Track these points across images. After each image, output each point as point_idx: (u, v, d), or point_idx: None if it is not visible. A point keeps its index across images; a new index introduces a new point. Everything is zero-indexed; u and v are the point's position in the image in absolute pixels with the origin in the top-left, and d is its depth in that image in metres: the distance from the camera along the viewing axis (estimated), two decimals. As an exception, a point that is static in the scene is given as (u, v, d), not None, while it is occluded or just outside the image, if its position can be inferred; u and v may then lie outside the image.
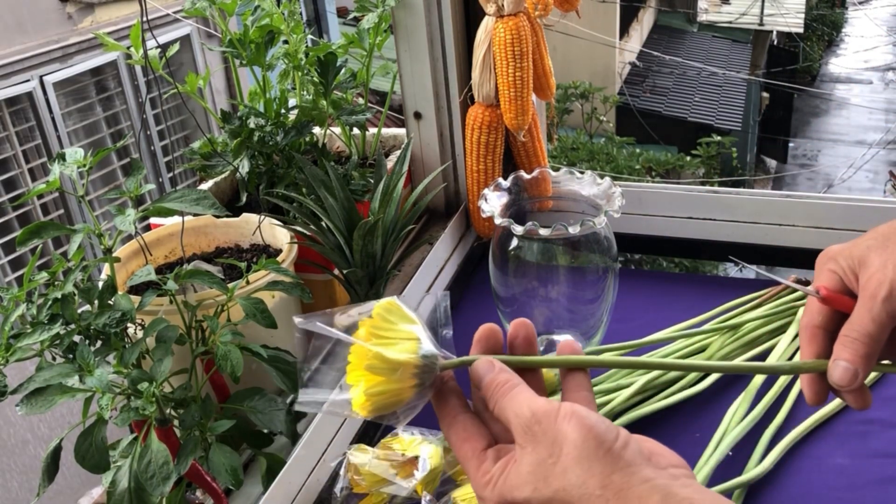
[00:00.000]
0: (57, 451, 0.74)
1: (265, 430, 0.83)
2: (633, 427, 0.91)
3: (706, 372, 0.99)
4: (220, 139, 1.14)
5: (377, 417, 0.53)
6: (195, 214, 0.89)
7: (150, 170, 5.06)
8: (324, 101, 1.12)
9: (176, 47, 1.09)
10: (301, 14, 1.15)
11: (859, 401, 0.58)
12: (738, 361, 1.02)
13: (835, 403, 0.95)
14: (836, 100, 13.38)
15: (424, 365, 0.52)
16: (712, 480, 0.85)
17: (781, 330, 1.08)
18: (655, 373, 1.00)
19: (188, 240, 1.03)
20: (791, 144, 12.20)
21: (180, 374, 0.81)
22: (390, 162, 1.07)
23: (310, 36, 1.19)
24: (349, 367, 0.53)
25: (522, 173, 1.03)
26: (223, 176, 1.15)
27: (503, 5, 1.12)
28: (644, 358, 0.65)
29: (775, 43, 13.04)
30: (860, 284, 0.57)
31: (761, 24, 12.43)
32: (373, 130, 1.25)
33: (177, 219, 0.91)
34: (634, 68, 10.95)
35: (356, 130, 1.21)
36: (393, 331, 0.53)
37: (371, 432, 0.99)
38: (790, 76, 12.25)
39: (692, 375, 1.00)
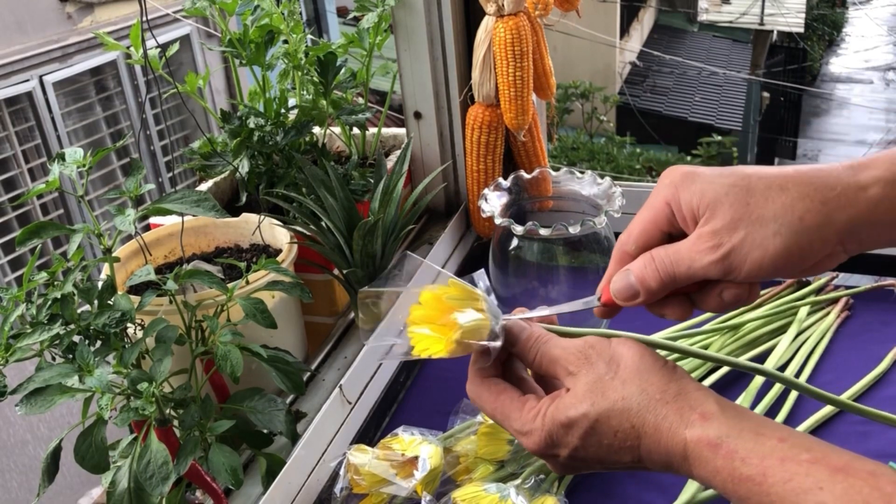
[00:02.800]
0: (57, 451, 0.74)
1: (265, 431, 0.83)
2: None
3: (745, 371, 0.99)
4: (220, 139, 1.14)
5: (462, 349, 0.55)
6: (195, 215, 0.88)
7: (149, 170, 5.06)
8: (324, 101, 1.12)
9: (176, 47, 1.09)
10: (301, 14, 1.15)
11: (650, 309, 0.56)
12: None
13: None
14: (836, 99, 13.37)
15: (492, 307, 0.56)
16: (712, 481, 0.85)
17: (782, 330, 1.08)
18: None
19: (188, 240, 1.03)
20: (795, 146, 12.21)
21: (180, 374, 0.81)
22: (390, 162, 1.07)
23: (309, 35, 1.19)
24: (410, 319, 0.57)
25: (522, 173, 1.03)
26: (223, 176, 1.15)
27: (503, 5, 1.12)
28: (691, 347, 0.67)
29: (776, 42, 13.04)
30: (699, 229, 0.51)
31: (762, 23, 12.42)
32: (373, 130, 1.25)
33: (176, 219, 0.91)
34: (635, 68, 10.94)
35: (356, 130, 1.21)
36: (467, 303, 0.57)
37: (371, 432, 0.99)
38: (797, 76, 12.25)
39: (694, 375, 1.00)
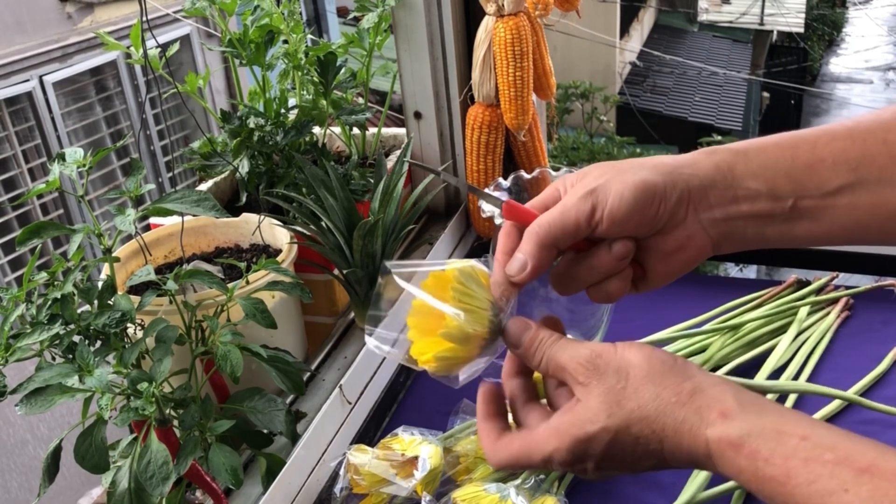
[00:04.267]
0: (57, 451, 0.74)
1: (265, 431, 0.83)
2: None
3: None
4: (220, 139, 1.14)
5: (440, 377, 0.55)
6: (195, 215, 0.88)
7: (149, 170, 5.06)
8: (324, 101, 1.12)
9: (176, 47, 1.09)
10: (301, 14, 1.15)
11: (557, 287, 0.59)
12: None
13: (835, 404, 0.95)
14: (836, 99, 13.38)
15: (491, 334, 0.55)
16: (713, 481, 0.85)
17: (782, 330, 1.08)
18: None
19: (188, 240, 1.03)
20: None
21: (180, 374, 0.81)
22: (390, 162, 1.07)
23: (310, 36, 1.19)
24: (410, 322, 0.56)
25: (523, 173, 1.03)
26: (223, 176, 1.15)
27: (503, 5, 1.12)
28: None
29: (776, 42, 13.04)
30: (573, 188, 0.57)
31: (762, 23, 12.43)
32: (373, 130, 1.25)
33: (176, 219, 0.91)
34: (635, 68, 10.94)
35: (356, 130, 1.21)
36: (470, 296, 0.55)
37: (371, 432, 0.99)
38: (797, 76, 12.24)
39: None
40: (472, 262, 0.57)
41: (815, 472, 0.44)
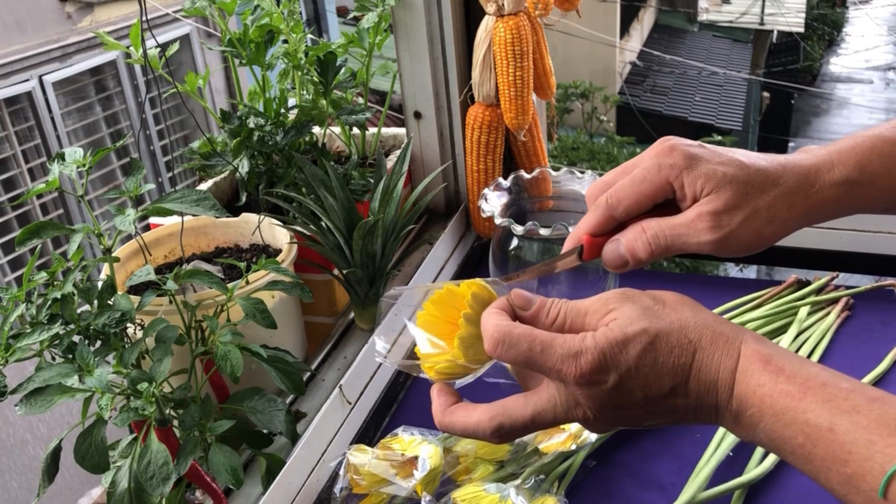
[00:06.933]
0: (57, 451, 0.74)
1: (265, 431, 0.83)
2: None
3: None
4: (220, 139, 1.14)
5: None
6: (195, 215, 0.88)
7: (149, 169, 5.06)
8: (323, 101, 1.12)
9: (175, 47, 1.09)
10: (301, 13, 1.15)
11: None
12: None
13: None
14: (836, 99, 13.37)
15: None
16: (713, 481, 0.85)
17: (782, 330, 1.08)
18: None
19: (187, 240, 1.03)
20: (791, 144, 12.21)
21: (180, 374, 0.81)
22: (390, 162, 1.07)
23: (309, 35, 1.19)
24: (420, 321, 0.58)
25: (523, 173, 1.03)
26: (223, 176, 1.15)
27: (503, 4, 1.12)
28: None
29: (776, 42, 13.04)
30: (699, 208, 0.56)
31: (762, 23, 12.43)
32: (373, 130, 1.25)
33: (176, 219, 0.91)
34: (635, 68, 10.94)
35: (356, 130, 1.21)
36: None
37: (371, 432, 0.99)
38: (796, 76, 12.25)
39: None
40: (485, 283, 0.57)
41: (831, 393, 0.46)
